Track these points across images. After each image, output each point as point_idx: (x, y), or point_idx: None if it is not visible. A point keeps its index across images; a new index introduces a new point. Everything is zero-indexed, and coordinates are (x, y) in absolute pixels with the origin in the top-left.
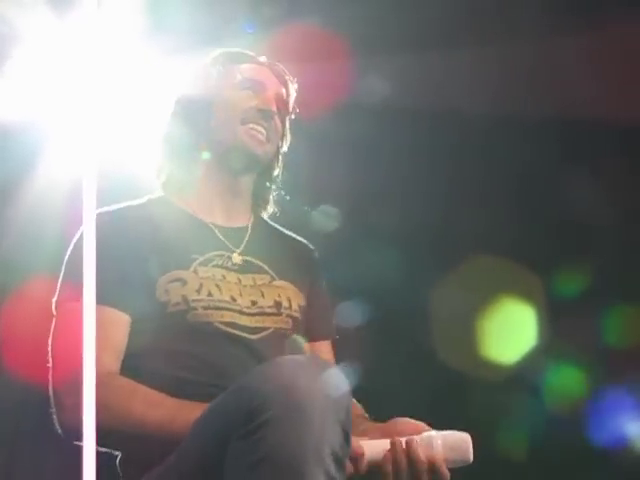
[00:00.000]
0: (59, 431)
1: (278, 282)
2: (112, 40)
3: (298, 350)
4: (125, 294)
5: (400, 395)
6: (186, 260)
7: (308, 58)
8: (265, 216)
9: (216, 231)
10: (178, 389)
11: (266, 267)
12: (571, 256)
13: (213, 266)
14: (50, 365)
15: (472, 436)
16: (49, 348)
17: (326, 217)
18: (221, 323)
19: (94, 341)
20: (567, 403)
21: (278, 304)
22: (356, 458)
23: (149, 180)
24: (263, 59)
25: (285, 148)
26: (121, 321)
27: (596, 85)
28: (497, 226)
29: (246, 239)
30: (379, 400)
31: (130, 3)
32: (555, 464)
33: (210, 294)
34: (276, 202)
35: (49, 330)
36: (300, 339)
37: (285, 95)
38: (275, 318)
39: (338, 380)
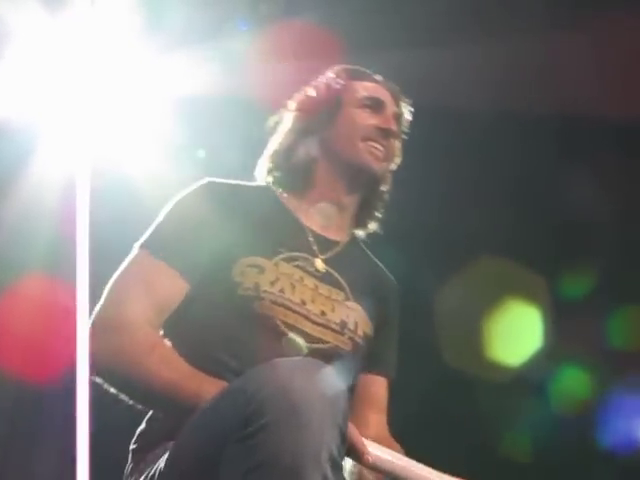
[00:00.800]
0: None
1: (351, 303)
2: (106, 38)
3: (349, 375)
4: (194, 264)
5: (402, 396)
6: (271, 251)
7: (304, 56)
8: (363, 233)
9: (309, 235)
10: (213, 371)
11: (344, 284)
12: (576, 257)
13: (295, 266)
14: (105, 295)
15: (477, 437)
16: (111, 280)
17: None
18: (282, 322)
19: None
20: (573, 405)
21: (344, 324)
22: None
23: (144, 178)
24: (379, 77)
25: (394, 167)
26: (176, 284)
27: (598, 83)
28: (501, 226)
29: (335, 251)
30: None
31: (124, 1)
32: (561, 466)
33: (282, 291)
34: (379, 220)
35: (43, 328)
36: (356, 367)
37: (400, 115)
38: (337, 336)
39: (335, 382)
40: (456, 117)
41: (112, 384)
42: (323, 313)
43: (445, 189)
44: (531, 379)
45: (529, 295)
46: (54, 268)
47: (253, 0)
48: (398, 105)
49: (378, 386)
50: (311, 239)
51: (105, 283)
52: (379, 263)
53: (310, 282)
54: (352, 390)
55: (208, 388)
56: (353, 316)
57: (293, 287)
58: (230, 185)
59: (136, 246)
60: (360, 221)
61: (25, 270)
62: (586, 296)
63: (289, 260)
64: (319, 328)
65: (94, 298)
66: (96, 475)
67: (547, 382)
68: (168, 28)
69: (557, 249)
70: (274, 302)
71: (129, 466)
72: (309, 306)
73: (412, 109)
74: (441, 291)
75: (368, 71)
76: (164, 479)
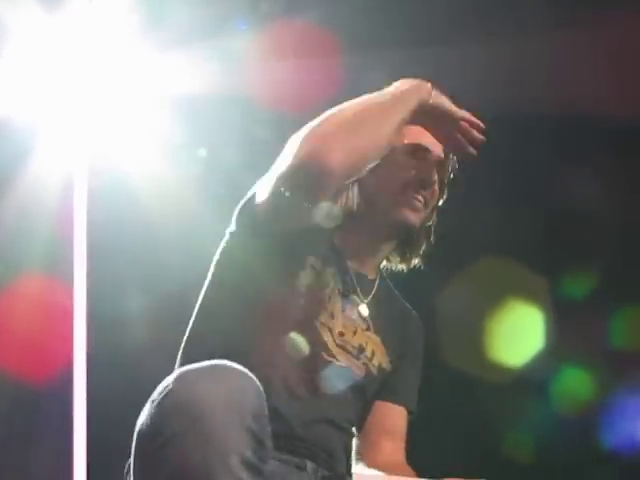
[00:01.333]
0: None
1: (372, 334)
2: (105, 36)
3: (359, 408)
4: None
5: None
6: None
7: (304, 55)
8: (406, 266)
9: (348, 267)
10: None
11: (368, 317)
12: (578, 257)
13: (332, 279)
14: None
15: (480, 438)
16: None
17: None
18: (320, 323)
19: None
20: (576, 406)
21: (361, 349)
22: None
23: (142, 177)
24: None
25: (440, 203)
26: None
27: (599, 82)
28: (501, 227)
29: (373, 291)
30: None
31: None
32: (564, 467)
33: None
34: (422, 256)
35: (40, 327)
36: (367, 393)
37: (445, 157)
38: (352, 360)
39: (244, 383)
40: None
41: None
42: (342, 334)
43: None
44: (533, 380)
45: (530, 295)
46: (52, 267)
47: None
48: (442, 147)
49: (397, 416)
50: (351, 272)
51: (104, 282)
52: (402, 299)
53: (338, 302)
54: (362, 418)
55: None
56: (372, 345)
57: (329, 298)
58: None
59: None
60: (400, 256)
61: (23, 269)
62: (588, 296)
63: (329, 274)
64: (336, 347)
65: (91, 297)
66: (93, 474)
67: (549, 383)
68: (167, 26)
69: (558, 249)
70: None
71: (129, 465)
72: (334, 322)
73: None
74: (442, 292)
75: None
76: None
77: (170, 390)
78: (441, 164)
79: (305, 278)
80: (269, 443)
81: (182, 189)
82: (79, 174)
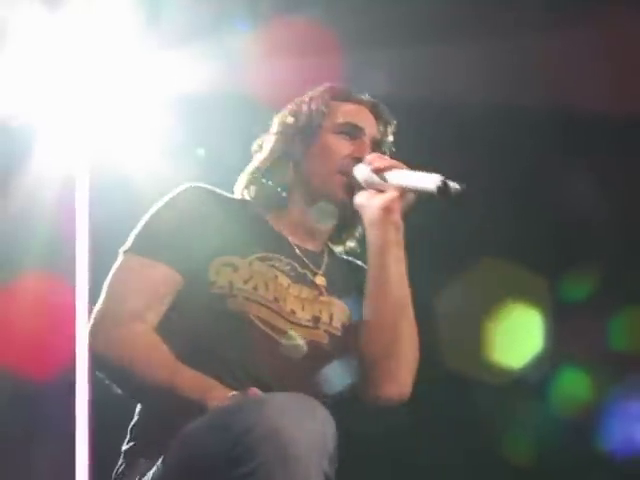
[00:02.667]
0: (98, 372)
1: (324, 298)
2: (104, 36)
3: (332, 373)
4: (184, 258)
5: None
6: (246, 250)
7: (304, 53)
8: (340, 249)
9: (293, 245)
10: (200, 369)
11: (318, 283)
12: (578, 259)
13: (270, 265)
14: (102, 296)
15: (477, 440)
16: (105, 284)
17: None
18: (257, 317)
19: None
20: (575, 408)
21: (316, 319)
22: None
23: (141, 176)
24: (366, 97)
25: None
26: (173, 280)
27: (599, 80)
28: (501, 228)
29: (325, 262)
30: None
31: None
32: (563, 469)
33: (255, 288)
34: (358, 240)
35: (42, 326)
36: (343, 360)
37: (381, 137)
38: (311, 331)
39: (326, 424)
40: (456, 115)
41: (113, 379)
42: (293, 312)
43: None
44: (532, 382)
45: (530, 297)
46: (54, 266)
47: None
48: (383, 127)
49: None
50: (295, 249)
51: (105, 281)
52: (350, 259)
53: (284, 281)
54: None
55: (183, 376)
56: (327, 310)
57: (267, 285)
58: (212, 191)
59: (122, 251)
60: (336, 239)
61: (25, 268)
62: (587, 298)
63: (264, 259)
64: (290, 324)
65: (93, 296)
66: (95, 473)
67: (549, 385)
68: (167, 26)
69: (558, 251)
70: (247, 298)
71: (120, 467)
72: (282, 303)
73: (395, 130)
74: (442, 293)
75: (354, 91)
76: None
77: (256, 420)
78: (377, 144)
79: (222, 280)
80: None
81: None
82: (80, 173)
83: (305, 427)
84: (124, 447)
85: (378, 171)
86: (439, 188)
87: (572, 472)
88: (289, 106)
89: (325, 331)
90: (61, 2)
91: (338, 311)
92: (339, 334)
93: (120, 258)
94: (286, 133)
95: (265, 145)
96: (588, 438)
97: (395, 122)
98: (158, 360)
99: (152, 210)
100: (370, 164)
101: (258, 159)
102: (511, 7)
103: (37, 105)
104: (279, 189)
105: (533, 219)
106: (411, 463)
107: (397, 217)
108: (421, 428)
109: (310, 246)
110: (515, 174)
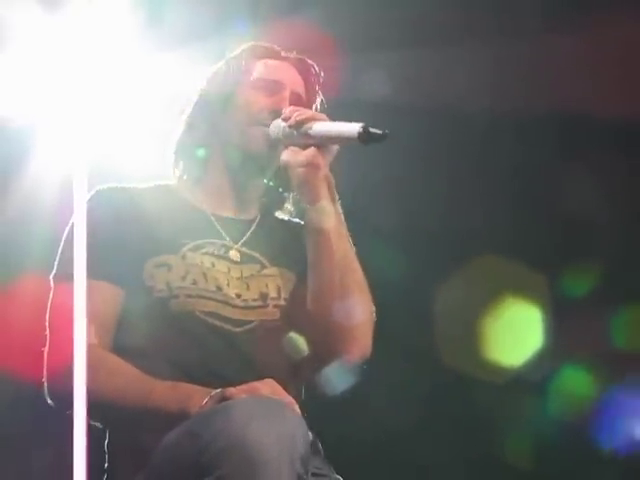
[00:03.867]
0: (49, 401)
1: (269, 270)
2: (104, 37)
3: (291, 344)
4: (117, 269)
5: (400, 396)
6: (175, 245)
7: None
8: (284, 214)
9: (214, 221)
10: (158, 376)
11: (258, 256)
12: (578, 256)
13: (203, 253)
14: (47, 336)
15: (476, 439)
16: (46, 322)
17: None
18: (203, 313)
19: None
20: (575, 406)
21: (264, 295)
22: None
23: (140, 174)
24: (290, 54)
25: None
26: (112, 294)
27: (597, 82)
28: (501, 225)
29: (249, 233)
30: (380, 402)
31: None
32: (563, 468)
33: (195, 282)
34: (295, 202)
35: (39, 328)
36: (295, 334)
37: (304, 93)
38: (260, 310)
39: (294, 426)
40: (455, 116)
41: (67, 407)
42: (238, 295)
43: (445, 188)
44: (532, 379)
45: (530, 294)
46: (52, 268)
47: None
48: (307, 82)
49: None
50: (217, 226)
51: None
52: (297, 221)
53: (222, 266)
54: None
55: (156, 391)
56: (273, 283)
57: (205, 276)
58: (123, 189)
59: (51, 278)
60: (270, 202)
61: (23, 270)
62: (587, 296)
63: (196, 249)
64: (240, 310)
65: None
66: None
67: (549, 383)
68: (166, 28)
69: (558, 248)
70: (189, 296)
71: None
72: (225, 290)
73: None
74: (441, 291)
75: (276, 48)
76: None
77: (222, 428)
78: (298, 98)
79: (159, 283)
80: None
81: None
82: (79, 174)
83: (273, 431)
84: (105, 465)
85: (298, 124)
86: (360, 134)
87: (571, 470)
88: (207, 72)
89: (275, 306)
90: (59, 4)
91: (284, 281)
92: (289, 305)
93: (52, 286)
94: (202, 98)
95: (182, 116)
96: (589, 436)
97: (322, 75)
98: (127, 383)
99: (69, 227)
100: (287, 119)
101: (177, 137)
102: (510, 11)
103: (35, 107)
104: (198, 154)
105: (533, 217)
106: (410, 462)
107: (325, 172)
108: (418, 427)
109: (233, 213)
110: (515, 172)
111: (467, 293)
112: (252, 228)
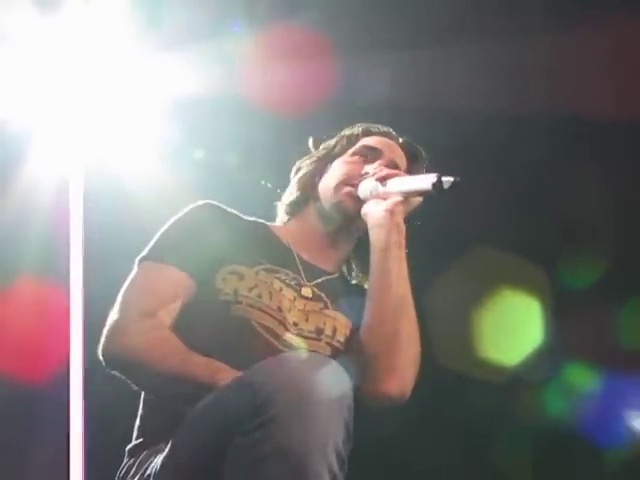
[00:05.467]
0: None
1: (329, 312)
2: (100, 38)
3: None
4: (198, 266)
5: None
6: (253, 261)
7: (300, 57)
8: (358, 281)
9: (296, 258)
10: None
11: (324, 296)
12: (580, 252)
13: (276, 277)
14: (117, 303)
15: (473, 437)
16: (122, 290)
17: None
18: (259, 325)
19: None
20: (575, 404)
21: (319, 330)
22: None
23: (136, 180)
24: (395, 135)
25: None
26: (187, 285)
27: (601, 83)
28: (503, 222)
29: (323, 278)
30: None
31: (118, 1)
32: (562, 467)
33: (260, 296)
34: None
35: (36, 329)
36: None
37: (404, 166)
38: (313, 342)
39: (341, 378)
40: (456, 117)
41: (127, 376)
42: (295, 324)
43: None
44: (531, 378)
45: (530, 290)
46: (48, 270)
47: (250, 1)
48: (408, 158)
49: None
50: (298, 262)
51: (99, 285)
52: (361, 285)
53: (290, 294)
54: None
55: (194, 361)
56: (331, 323)
57: (271, 294)
58: (223, 208)
59: (137, 260)
60: (350, 270)
61: (19, 272)
62: (588, 293)
63: (270, 271)
64: (293, 335)
65: (88, 299)
66: (89, 476)
67: (548, 380)
68: (163, 29)
69: (559, 245)
70: (251, 305)
71: (124, 466)
72: (285, 314)
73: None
74: (441, 290)
75: (385, 129)
76: (161, 477)
77: (275, 372)
78: (394, 166)
79: (228, 287)
80: (352, 439)
81: (178, 192)
82: (75, 176)
83: (323, 377)
84: (129, 447)
85: (380, 180)
86: (434, 185)
87: (570, 469)
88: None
89: (327, 343)
90: (57, 6)
91: (342, 325)
92: (342, 348)
93: (136, 267)
94: (316, 157)
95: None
96: (588, 434)
97: (427, 160)
98: (169, 350)
99: (169, 223)
100: (373, 175)
101: (292, 184)
102: (512, 11)
103: (32, 110)
104: (298, 200)
105: (534, 215)
106: (410, 462)
107: (399, 219)
108: (420, 428)
109: (315, 261)
110: (517, 168)
111: (467, 293)
112: (327, 277)
